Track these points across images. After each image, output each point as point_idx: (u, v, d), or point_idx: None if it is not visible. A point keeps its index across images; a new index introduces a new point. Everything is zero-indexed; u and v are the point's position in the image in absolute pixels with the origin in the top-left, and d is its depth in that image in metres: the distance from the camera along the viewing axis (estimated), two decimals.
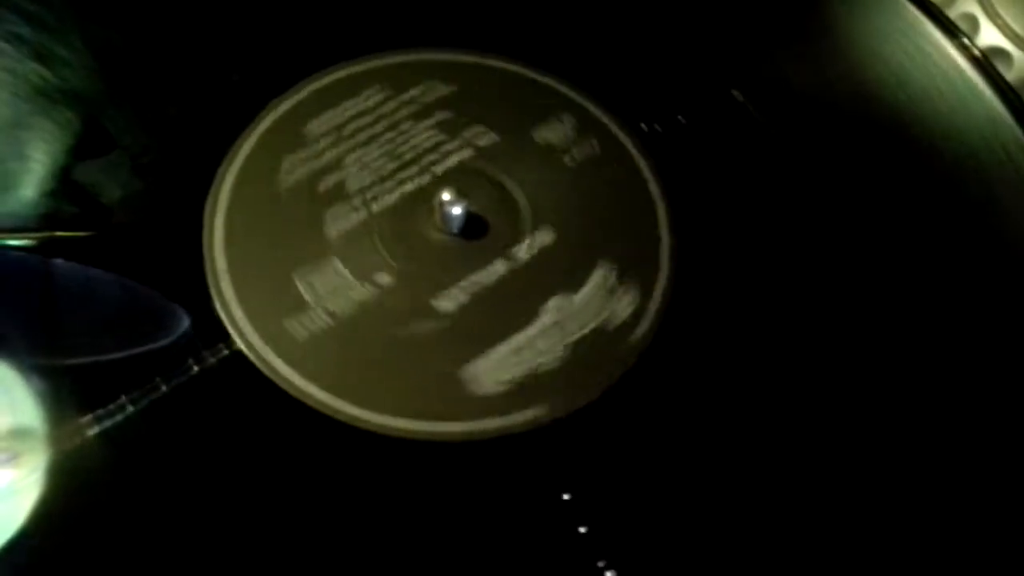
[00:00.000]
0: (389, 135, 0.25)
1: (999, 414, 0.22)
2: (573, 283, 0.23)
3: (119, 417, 0.20)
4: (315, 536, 0.19)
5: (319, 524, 0.19)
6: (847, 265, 0.25)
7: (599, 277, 0.23)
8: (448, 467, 0.21)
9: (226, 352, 0.21)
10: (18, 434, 0.20)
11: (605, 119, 0.26)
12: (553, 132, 0.26)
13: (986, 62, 0.26)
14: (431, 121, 0.25)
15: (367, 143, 0.25)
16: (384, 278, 0.22)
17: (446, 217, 0.23)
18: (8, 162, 0.27)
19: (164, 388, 0.20)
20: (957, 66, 0.26)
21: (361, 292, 0.22)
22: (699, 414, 0.22)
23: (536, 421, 0.21)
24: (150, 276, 0.22)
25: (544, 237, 0.24)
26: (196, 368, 0.20)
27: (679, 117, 0.26)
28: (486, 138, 0.25)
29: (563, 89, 0.27)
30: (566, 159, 0.25)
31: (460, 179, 0.24)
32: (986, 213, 0.25)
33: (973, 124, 0.26)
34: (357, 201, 0.24)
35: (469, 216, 0.23)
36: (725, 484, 0.21)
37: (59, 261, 0.23)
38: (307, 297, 0.22)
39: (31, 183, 0.26)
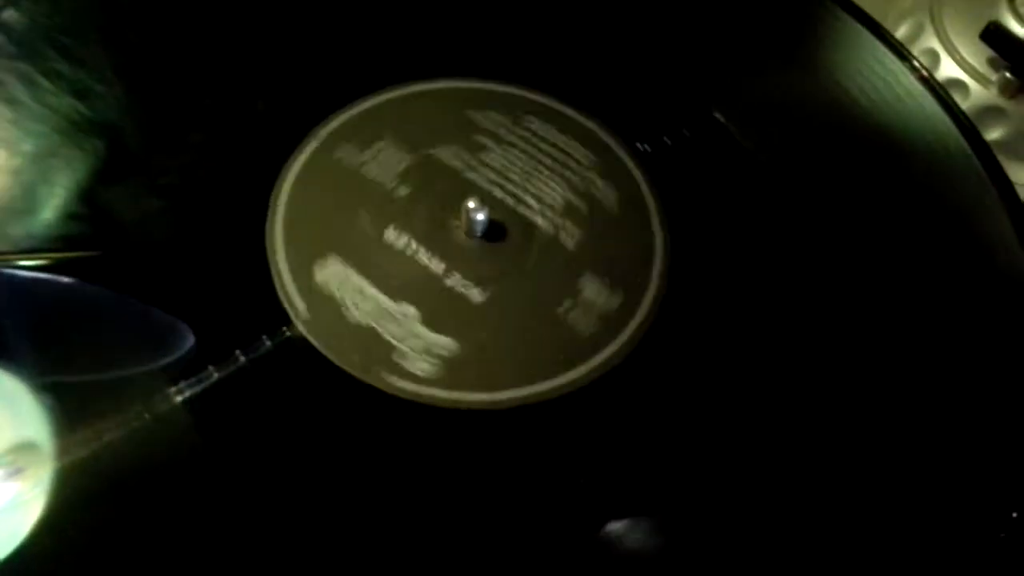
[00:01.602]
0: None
1: (965, 390, 0.26)
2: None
3: (204, 384, 0.23)
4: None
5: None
6: (820, 261, 0.28)
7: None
8: (473, 434, 0.24)
9: (288, 334, 0.24)
10: (23, 448, 0.21)
11: (608, 139, 0.30)
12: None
13: (938, 86, 0.30)
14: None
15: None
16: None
17: (471, 222, 0.27)
18: (36, 188, 0.29)
19: (243, 360, 0.23)
20: (916, 91, 0.30)
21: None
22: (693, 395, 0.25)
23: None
24: (180, 287, 0.25)
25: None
26: (269, 343, 0.24)
27: (665, 138, 0.30)
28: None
29: (570, 112, 0.30)
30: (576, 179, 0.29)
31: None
32: (942, 207, 0.29)
33: (927, 137, 0.30)
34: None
35: (491, 223, 0.27)
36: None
37: (73, 280, 0.25)
38: (356, 284, 0.25)
39: (54, 206, 0.28)
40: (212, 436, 0.23)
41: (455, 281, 0.26)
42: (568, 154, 0.29)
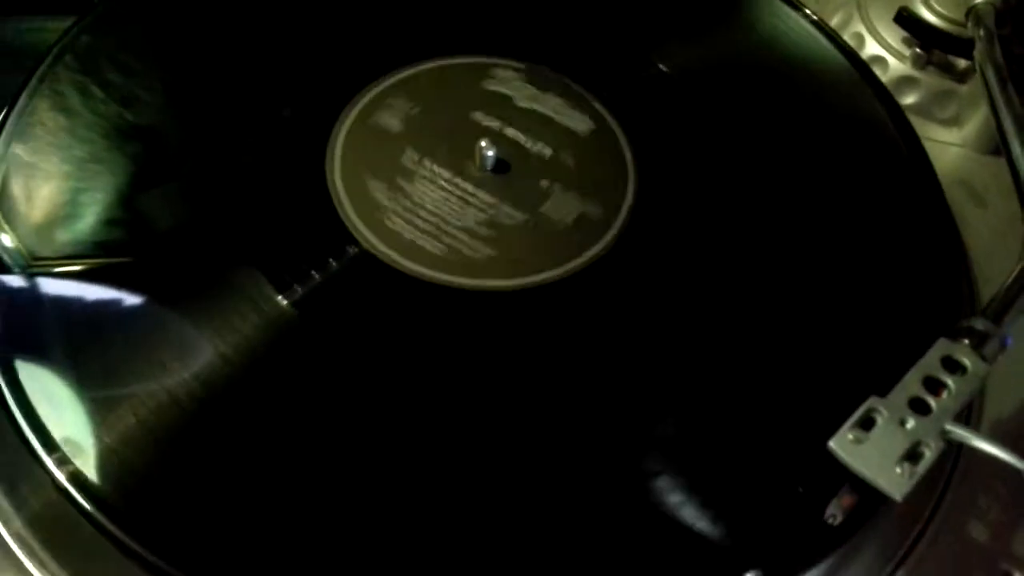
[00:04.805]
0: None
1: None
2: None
3: (294, 296, 0.30)
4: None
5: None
6: (755, 171, 0.36)
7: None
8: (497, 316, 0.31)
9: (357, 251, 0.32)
10: None
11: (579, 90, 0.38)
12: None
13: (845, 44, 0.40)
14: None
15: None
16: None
17: (483, 158, 0.34)
18: (79, 194, 0.32)
19: (318, 277, 0.31)
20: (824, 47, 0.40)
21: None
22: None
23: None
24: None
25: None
26: (335, 264, 0.31)
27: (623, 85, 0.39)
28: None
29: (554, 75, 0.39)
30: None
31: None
32: (837, 117, 0.39)
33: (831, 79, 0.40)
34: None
35: (498, 160, 0.35)
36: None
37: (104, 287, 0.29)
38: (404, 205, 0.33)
39: (94, 213, 0.32)
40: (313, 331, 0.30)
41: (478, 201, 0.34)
42: (552, 107, 0.37)
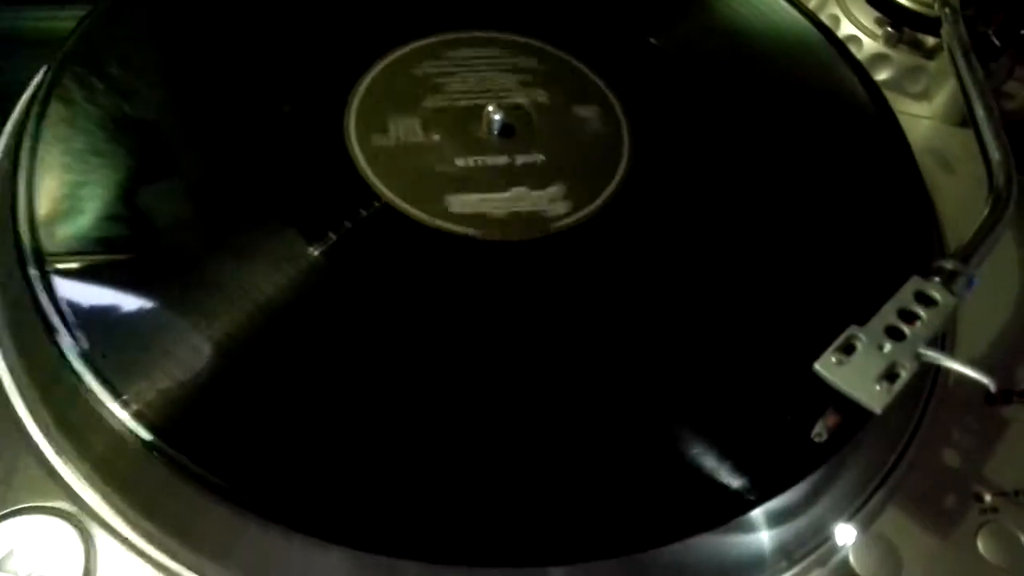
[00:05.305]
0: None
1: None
2: None
3: (327, 244, 0.32)
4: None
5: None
6: (736, 139, 0.39)
7: None
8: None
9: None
10: None
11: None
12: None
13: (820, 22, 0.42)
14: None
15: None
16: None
17: (491, 122, 0.37)
18: (80, 188, 0.32)
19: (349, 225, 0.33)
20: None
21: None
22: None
23: None
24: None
25: None
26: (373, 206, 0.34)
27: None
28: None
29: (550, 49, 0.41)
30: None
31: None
32: (825, 110, 0.42)
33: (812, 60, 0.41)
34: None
35: (504, 124, 0.37)
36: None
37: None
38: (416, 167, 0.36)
39: (94, 208, 0.32)
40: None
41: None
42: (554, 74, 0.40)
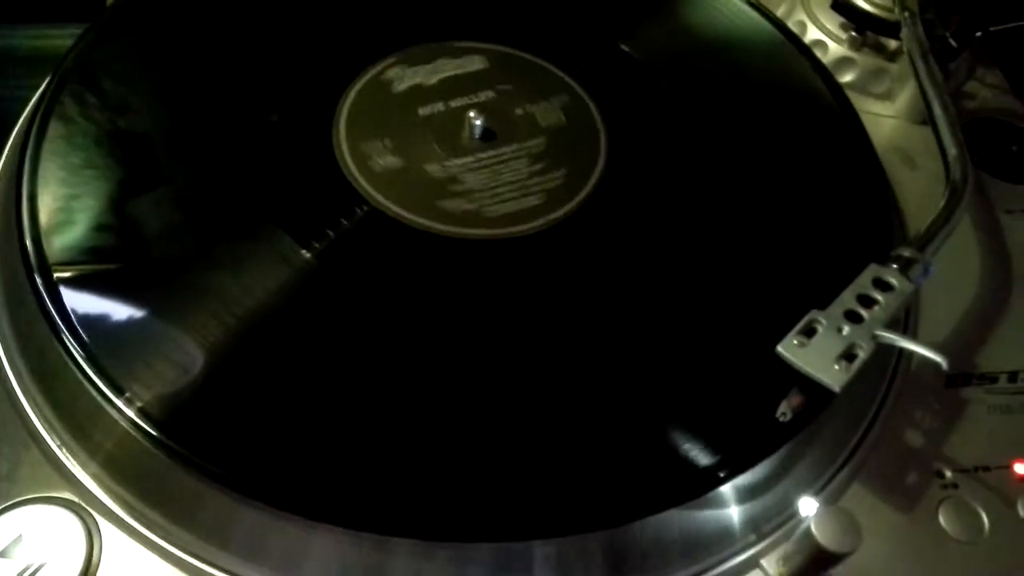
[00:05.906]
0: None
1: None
2: None
3: (320, 247, 0.34)
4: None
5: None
6: (709, 144, 0.41)
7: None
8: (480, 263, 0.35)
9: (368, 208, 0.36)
10: None
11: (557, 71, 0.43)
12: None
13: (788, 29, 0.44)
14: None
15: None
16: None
17: (472, 127, 0.39)
18: (73, 199, 0.33)
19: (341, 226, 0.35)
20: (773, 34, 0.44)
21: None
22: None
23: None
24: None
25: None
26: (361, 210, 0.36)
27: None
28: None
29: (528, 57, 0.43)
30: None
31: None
32: (792, 111, 0.43)
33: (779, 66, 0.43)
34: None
35: (485, 129, 0.39)
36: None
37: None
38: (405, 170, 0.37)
39: (87, 219, 0.33)
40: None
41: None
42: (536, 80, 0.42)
